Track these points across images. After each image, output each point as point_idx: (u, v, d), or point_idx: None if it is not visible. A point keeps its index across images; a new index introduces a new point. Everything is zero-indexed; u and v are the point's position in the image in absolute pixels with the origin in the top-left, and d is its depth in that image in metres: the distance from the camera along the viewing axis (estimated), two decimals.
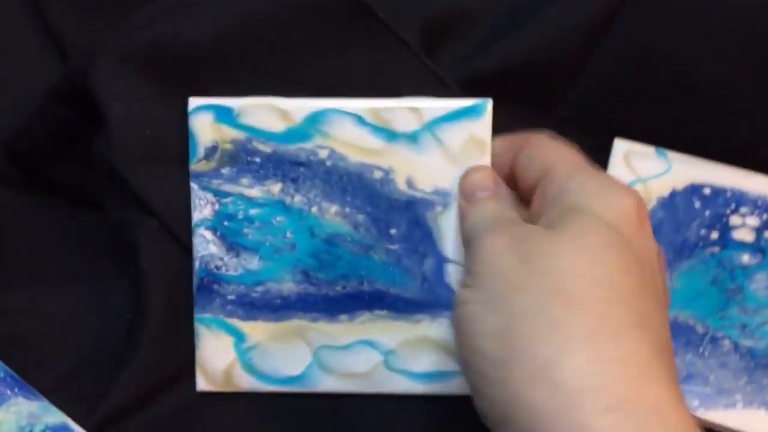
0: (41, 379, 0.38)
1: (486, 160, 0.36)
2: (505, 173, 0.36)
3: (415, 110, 0.37)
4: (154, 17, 0.38)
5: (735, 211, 0.36)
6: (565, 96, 0.40)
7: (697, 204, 0.37)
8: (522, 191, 0.35)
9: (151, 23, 0.38)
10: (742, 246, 0.36)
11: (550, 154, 0.33)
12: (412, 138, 0.37)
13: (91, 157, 0.40)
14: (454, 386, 0.37)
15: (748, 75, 0.37)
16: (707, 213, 0.37)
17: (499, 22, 0.40)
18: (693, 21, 0.37)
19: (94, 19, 0.42)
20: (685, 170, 0.37)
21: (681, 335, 0.36)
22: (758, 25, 0.37)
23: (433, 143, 0.37)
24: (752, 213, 0.36)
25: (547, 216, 0.31)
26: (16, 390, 0.36)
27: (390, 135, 0.37)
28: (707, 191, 0.37)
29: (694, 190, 0.37)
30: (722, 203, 0.37)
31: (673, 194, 0.37)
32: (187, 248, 0.38)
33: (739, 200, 0.37)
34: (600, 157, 0.38)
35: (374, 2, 0.38)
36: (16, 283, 0.41)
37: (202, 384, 0.38)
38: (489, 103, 0.36)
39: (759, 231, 0.36)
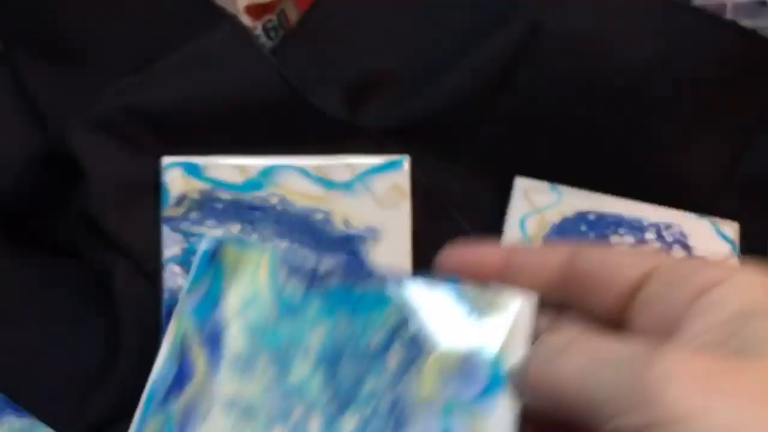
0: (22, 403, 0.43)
1: (406, 204, 0.44)
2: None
3: (349, 165, 0.44)
4: (125, 89, 0.45)
5: (615, 232, 0.44)
6: (471, 143, 0.48)
7: (583, 227, 0.44)
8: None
9: (122, 94, 0.45)
10: None
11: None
12: (347, 186, 0.44)
13: (68, 212, 0.46)
14: None
15: (623, 122, 0.46)
16: (591, 234, 0.44)
17: (413, 83, 0.48)
18: (575, 76, 0.46)
19: (70, 93, 0.48)
20: (573, 201, 0.45)
21: None
22: (627, 78, 0.45)
23: (364, 190, 0.44)
24: (628, 232, 0.44)
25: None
26: (7, 410, 0.41)
27: (329, 184, 0.44)
28: (591, 216, 0.45)
29: (581, 216, 0.45)
30: (604, 226, 0.44)
31: (564, 221, 0.45)
32: (156, 284, 0.44)
33: (618, 223, 0.44)
34: (504, 193, 0.46)
35: (302, 69, 0.46)
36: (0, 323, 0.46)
37: None
38: (407, 159, 0.44)
39: (635, 246, 0.44)
